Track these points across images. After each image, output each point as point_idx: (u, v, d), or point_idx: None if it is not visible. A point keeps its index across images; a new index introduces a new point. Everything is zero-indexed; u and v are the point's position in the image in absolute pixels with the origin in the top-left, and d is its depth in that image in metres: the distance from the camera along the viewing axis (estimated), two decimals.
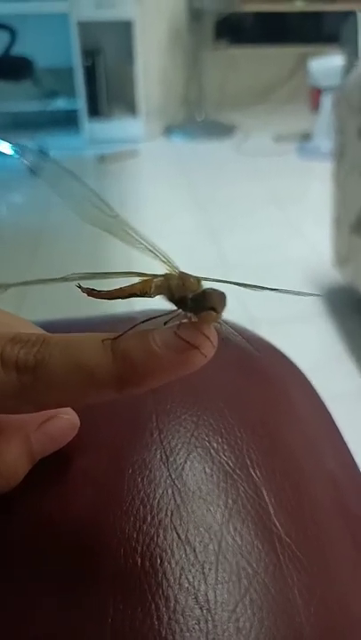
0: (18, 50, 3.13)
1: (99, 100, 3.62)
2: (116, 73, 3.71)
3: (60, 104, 3.86)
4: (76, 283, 0.23)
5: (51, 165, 0.24)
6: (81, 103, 3.61)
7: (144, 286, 0.23)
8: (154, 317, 0.22)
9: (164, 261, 0.23)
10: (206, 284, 0.22)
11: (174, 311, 0.22)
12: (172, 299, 0.22)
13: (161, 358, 0.20)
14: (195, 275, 0.22)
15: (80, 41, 3.39)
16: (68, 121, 3.89)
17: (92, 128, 3.66)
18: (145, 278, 0.23)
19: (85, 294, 0.25)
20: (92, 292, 0.25)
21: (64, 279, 0.22)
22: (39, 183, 2.83)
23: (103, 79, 3.59)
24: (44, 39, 3.65)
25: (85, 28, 3.37)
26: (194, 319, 0.21)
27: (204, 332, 0.20)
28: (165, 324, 0.22)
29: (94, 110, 3.63)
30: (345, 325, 1.63)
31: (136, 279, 0.23)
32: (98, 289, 0.24)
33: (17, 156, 3.08)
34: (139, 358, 0.20)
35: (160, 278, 0.23)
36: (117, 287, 0.24)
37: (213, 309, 0.20)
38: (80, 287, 0.24)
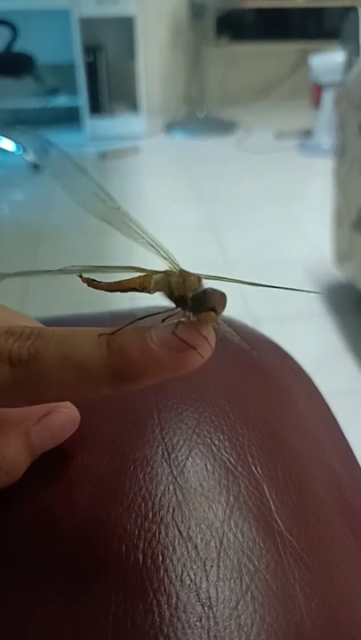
0: (19, 46, 3.13)
1: (100, 96, 3.62)
2: (118, 69, 3.70)
3: (62, 101, 3.85)
4: (75, 274, 0.23)
5: (56, 156, 0.24)
6: (82, 100, 3.60)
7: (144, 281, 0.23)
8: (152, 315, 0.22)
9: (164, 257, 0.23)
10: (207, 283, 0.22)
11: (173, 309, 0.22)
12: (171, 296, 0.22)
13: (157, 356, 0.20)
14: (195, 273, 0.22)
15: (81, 37, 3.38)
16: (69, 118, 3.89)
17: (94, 125, 3.66)
18: (145, 273, 0.23)
19: (85, 284, 0.24)
20: (91, 283, 0.24)
21: (61, 271, 0.22)
22: (41, 180, 2.84)
23: (104, 76, 3.58)
24: (46, 36, 3.65)
25: (87, 24, 3.36)
26: (192, 319, 0.21)
27: (203, 332, 0.20)
28: (163, 321, 0.21)
29: (96, 107, 3.62)
30: (346, 323, 1.63)
31: (137, 274, 0.23)
32: (98, 280, 0.24)
33: (19, 153, 3.08)
34: (134, 354, 0.20)
35: (160, 274, 0.23)
36: (117, 280, 0.24)
37: (213, 310, 0.20)
38: (81, 277, 0.24)
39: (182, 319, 0.21)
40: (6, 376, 0.21)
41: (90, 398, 0.22)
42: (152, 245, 0.23)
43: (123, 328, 0.21)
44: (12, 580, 0.23)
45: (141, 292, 0.23)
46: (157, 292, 0.23)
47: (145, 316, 0.22)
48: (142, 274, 0.23)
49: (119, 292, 0.24)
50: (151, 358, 0.20)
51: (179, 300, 0.22)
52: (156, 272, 0.23)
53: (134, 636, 0.21)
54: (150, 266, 0.24)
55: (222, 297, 0.20)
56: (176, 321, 0.21)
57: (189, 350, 0.20)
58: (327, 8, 4.06)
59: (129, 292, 0.24)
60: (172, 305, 0.22)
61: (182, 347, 0.20)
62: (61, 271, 0.22)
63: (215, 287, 0.21)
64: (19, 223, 2.55)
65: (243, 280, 0.22)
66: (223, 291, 0.21)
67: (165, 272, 0.23)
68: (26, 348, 0.21)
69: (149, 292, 0.23)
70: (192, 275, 0.22)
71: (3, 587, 0.23)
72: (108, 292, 0.25)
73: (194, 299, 0.21)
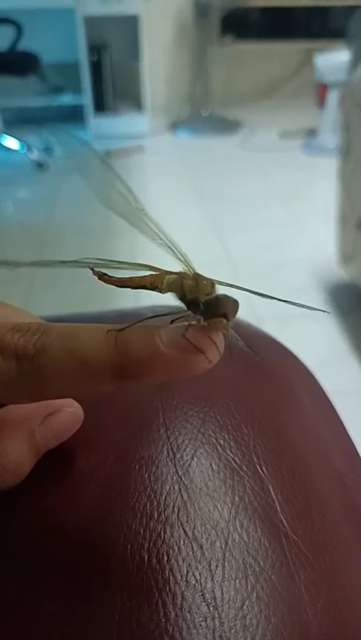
0: (24, 45, 3.13)
1: (104, 95, 3.62)
2: (122, 68, 3.70)
3: (66, 99, 3.86)
4: (83, 268, 0.23)
5: (83, 151, 0.24)
6: (87, 98, 3.61)
7: (156, 280, 0.23)
8: (162, 315, 0.22)
9: (180, 260, 0.23)
10: (220, 289, 0.22)
11: (184, 311, 0.22)
12: (183, 298, 0.22)
13: (164, 356, 0.20)
14: (209, 277, 0.22)
15: (86, 36, 3.38)
16: (73, 116, 3.90)
17: (98, 123, 3.66)
18: (158, 272, 0.23)
19: (96, 277, 0.24)
20: (102, 277, 0.24)
21: (75, 262, 0.22)
22: (45, 179, 2.84)
23: (109, 74, 3.58)
24: (50, 34, 3.65)
25: (91, 23, 3.36)
26: (203, 323, 0.21)
27: (213, 337, 0.20)
28: (172, 322, 0.21)
29: (100, 106, 3.63)
30: (350, 323, 1.62)
31: (149, 272, 0.23)
32: (109, 275, 0.24)
33: (23, 152, 3.08)
34: (141, 352, 0.20)
35: (173, 275, 0.23)
36: (129, 276, 0.24)
37: (225, 316, 0.20)
38: (92, 270, 0.24)
39: (193, 322, 0.21)
40: (12, 371, 0.21)
41: (93, 394, 0.22)
42: (170, 247, 0.23)
43: (131, 325, 0.21)
44: (15, 580, 0.23)
45: (152, 290, 0.23)
46: (168, 293, 0.23)
47: (154, 316, 0.22)
48: (155, 272, 0.23)
49: (128, 289, 0.24)
50: (158, 358, 0.20)
51: (190, 303, 0.22)
52: (169, 272, 0.23)
53: (139, 636, 0.21)
54: (157, 264, 0.24)
55: (235, 304, 0.20)
56: (187, 323, 0.21)
57: (197, 354, 0.20)
58: (332, 7, 4.06)
59: (137, 292, 0.24)
60: (182, 306, 0.22)
61: (191, 349, 0.20)
62: (75, 262, 0.22)
63: (227, 293, 0.21)
64: (23, 222, 2.55)
65: (256, 291, 0.22)
66: (235, 297, 0.21)
67: (179, 274, 0.23)
68: (32, 344, 0.21)
69: (160, 292, 0.23)
70: (206, 279, 0.22)
71: (4, 587, 0.23)
72: (117, 288, 0.25)
73: (206, 304, 0.21)
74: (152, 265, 0.23)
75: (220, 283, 0.22)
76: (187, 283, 0.22)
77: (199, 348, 0.20)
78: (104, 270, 0.24)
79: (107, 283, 0.25)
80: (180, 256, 0.23)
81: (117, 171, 0.24)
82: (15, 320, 0.23)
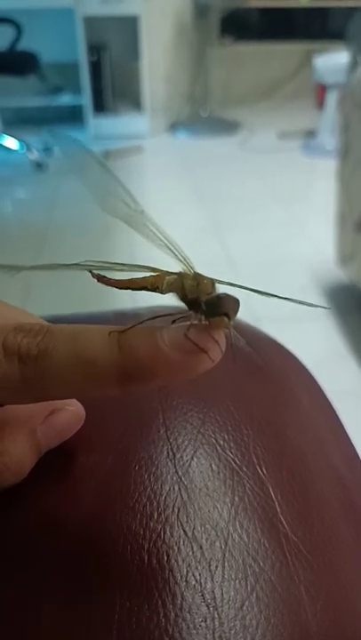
0: (23, 45, 3.13)
1: (104, 95, 3.62)
2: (122, 69, 3.70)
3: (65, 99, 3.86)
4: (85, 270, 0.23)
5: (80, 154, 0.24)
6: (86, 99, 3.61)
7: (156, 281, 0.23)
8: (164, 315, 0.22)
9: (180, 260, 0.23)
10: (220, 287, 0.22)
11: (185, 311, 0.22)
12: (183, 298, 0.22)
13: (167, 357, 0.20)
14: (209, 276, 0.22)
15: (85, 36, 3.38)
16: (72, 116, 3.89)
17: (97, 124, 3.66)
18: (158, 273, 0.23)
19: (95, 280, 0.24)
20: (102, 279, 0.24)
21: (77, 265, 0.22)
22: (44, 179, 2.83)
23: (108, 75, 3.58)
24: (50, 34, 3.65)
25: (91, 23, 3.36)
26: (204, 322, 0.21)
27: (215, 336, 0.20)
28: (173, 322, 0.21)
29: (99, 106, 3.63)
30: (348, 324, 1.62)
31: (149, 274, 0.23)
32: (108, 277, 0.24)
33: (22, 151, 3.08)
34: (145, 354, 0.20)
35: (174, 276, 0.23)
36: (129, 278, 0.24)
37: (226, 315, 0.20)
38: (91, 272, 0.24)
39: (194, 322, 0.21)
40: (15, 372, 0.21)
41: (97, 397, 0.22)
42: (169, 248, 0.23)
43: (134, 327, 0.21)
44: (15, 580, 0.23)
45: (153, 291, 0.23)
46: (169, 293, 0.23)
47: (156, 317, 0.22)
48: (155, 273, 0.23)
49: (129, 290, 0.24)
50: (161, 359, 0.20)
51: (191, 303, 0.22)
52: (170, 273, 0.23)
53: (139, 636, 0.21)
54: (155, 265, 0.24)
55: (236, 303, 0.20)
56: (188, 323, 0.20)
57: (200, 353, 0.20)
58: (332, 8, 4.07)
59: (135, 292, 0.24)
60: (182, 305, 0.22)
61: (193, 349, 0.20)
62: (77, 265, 0.22)
63: (228, 292, 0.21)
64: (22, 222, 2.55)
65: (255, 289, 0.22)
66: (235, 296, 0.21)
67: (179, 274, 0.23)
68: (35, 345, 0.21)
69: (161, 293, 0.23)
70: (206, 278, 0.22)
71: (4, 587, 0.23)
72: (117, 289, 0.25)
73: (208, 303, 0.21)
74: (152, 266, 0.23)
75: (220, 282, 0.22)
76: (187, 283, 0.22)
77: (202, 348, 0.20)
78: (103, 272, 0.24)
79: (106, 285, 0.24)
80: (180, 257, 0.23)
81: (116, 171, 0.24)
82: (13, 319, 0.23)
